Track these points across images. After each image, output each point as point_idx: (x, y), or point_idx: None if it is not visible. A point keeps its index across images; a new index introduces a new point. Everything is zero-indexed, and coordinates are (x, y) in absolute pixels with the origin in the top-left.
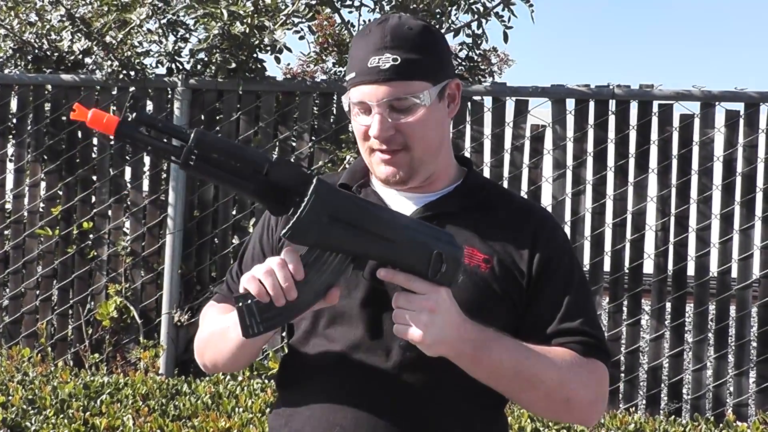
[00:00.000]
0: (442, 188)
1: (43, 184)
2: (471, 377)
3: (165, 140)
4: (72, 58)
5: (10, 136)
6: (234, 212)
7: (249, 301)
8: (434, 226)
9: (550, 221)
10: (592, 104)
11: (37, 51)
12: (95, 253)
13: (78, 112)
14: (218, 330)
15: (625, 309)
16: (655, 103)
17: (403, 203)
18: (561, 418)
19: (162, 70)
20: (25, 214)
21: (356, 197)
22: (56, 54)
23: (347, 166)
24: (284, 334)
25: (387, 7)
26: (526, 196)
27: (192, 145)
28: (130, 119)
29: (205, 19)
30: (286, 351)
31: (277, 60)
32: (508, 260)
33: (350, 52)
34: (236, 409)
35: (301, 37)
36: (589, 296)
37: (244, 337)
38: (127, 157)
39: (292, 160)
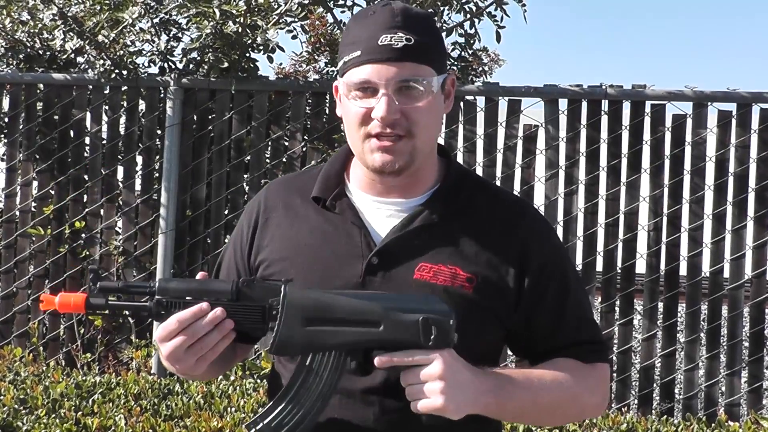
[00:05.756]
0: (424, 191)
1: (35, 184)
2: None
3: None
4: (64, 57)
5: (2, 136)
6: (226, 212)
7: (260, 425)
8: (416, 294)
9: (540, 224)
10: (584, 104)
11: (29, 50)
12: (87, 253)
13: (46, 303)
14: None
15: (617, 309)
16: (648, 104)
17: (382, 213)
18: (574, 422)
19: (154, 70)
20: (17, 213)
21: (330, 293)
22: (48, 53)
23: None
24: (257, 346)
25: None
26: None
27: (158, 297)
28: (94, 292)
29: (198, 19)
30: (272, 367)
31: (270, 59)
32: (493, 276)
33: (348, 34)
34: (228, 408)
35: (294, 37)
36: (585, 295)
37: None
38: (119, 157)
39: (284, 160)
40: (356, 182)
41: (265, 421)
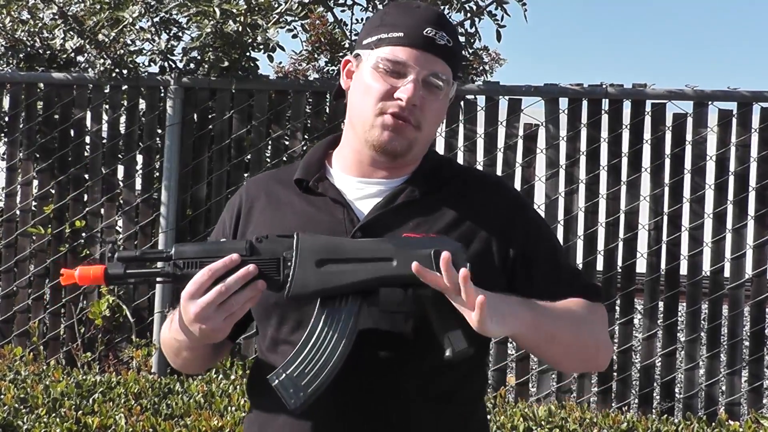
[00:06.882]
0: (403, 175)
1: (35, 183)
2: (440, 376)
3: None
4: (64, 56)
5: (2, 135)
6: None
7: (283, 376)
8: (419, 236)
9: (518, 195)
10: (585, 103)
11: (29, 49)
12: (87, 252)
13: (66, 276)
14: (167, 341)
15: (617, 308)
16: (648, 103)
17: (364, 192)
18: (588, 366)
19: (155, 69)
20: (18, 212)
21: (338, 237)
22: (48, 52)
23: None
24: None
25: (380, 6)
26: None
27: (174, 261)
28: (112, 263)
29: (198, 18)
30: (255, 358)
31: (270, 58)
32: (477, 242)
33: (388, 16)
34: (229, 407)
35: (294, 36)
36: (561, 245)
37: (293, 409)
38: (119, 156)
39: (284, 159)
40: (339, 166)
41: (287, 372)
